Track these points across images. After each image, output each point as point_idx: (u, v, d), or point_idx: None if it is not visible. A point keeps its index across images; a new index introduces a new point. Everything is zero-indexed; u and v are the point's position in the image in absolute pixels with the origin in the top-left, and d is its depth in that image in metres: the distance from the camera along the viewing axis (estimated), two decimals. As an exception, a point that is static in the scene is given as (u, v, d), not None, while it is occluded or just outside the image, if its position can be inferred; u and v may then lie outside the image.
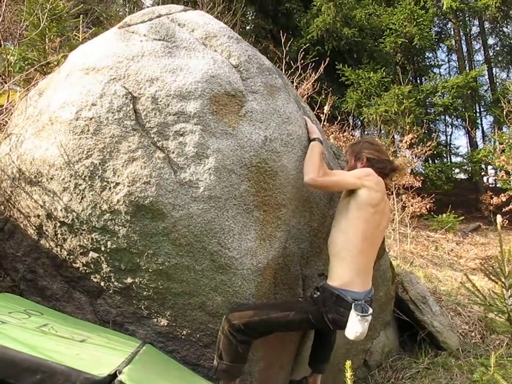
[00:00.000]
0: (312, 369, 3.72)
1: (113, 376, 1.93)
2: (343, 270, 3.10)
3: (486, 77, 22.96)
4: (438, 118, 19.55)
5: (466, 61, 23.77)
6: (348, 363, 1.80)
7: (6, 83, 4.54)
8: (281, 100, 3.32)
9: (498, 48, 25.25)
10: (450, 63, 28.09)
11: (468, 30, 24.33)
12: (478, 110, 23.64)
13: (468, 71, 17.90)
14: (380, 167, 3.40)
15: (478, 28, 25.09)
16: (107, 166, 2.91)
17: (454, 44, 22.18)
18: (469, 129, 17.42)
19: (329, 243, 3.27)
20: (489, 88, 22.54)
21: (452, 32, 23.08)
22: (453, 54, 26.32)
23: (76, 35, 6.29)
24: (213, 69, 3.08)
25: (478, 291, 3.90)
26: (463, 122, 19.46)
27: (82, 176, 2.93)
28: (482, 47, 25.24)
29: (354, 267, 3.10)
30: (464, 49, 24.49)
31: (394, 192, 10.15)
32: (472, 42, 26.65)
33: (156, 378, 2.36)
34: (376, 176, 3.25)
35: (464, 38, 24.77)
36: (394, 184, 10.16)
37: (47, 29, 5.74)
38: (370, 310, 3.01)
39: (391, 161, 3.57)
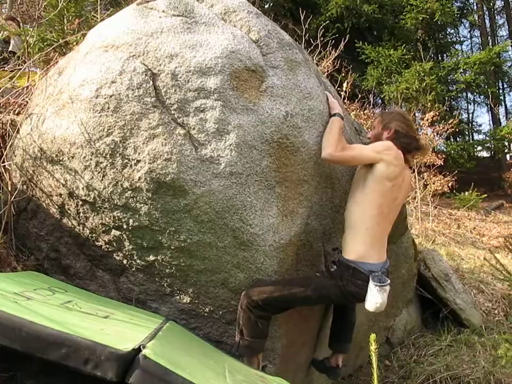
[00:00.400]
0: (334, 350, 3.75)
1: (138, 350, 1.94)
2: (358, 243, 3.10)
3: (510, 52, 22.57)
4: (460, 95, 19.33)
5: (489, 37, 23.43)
6: (372, 336, 1.79)
7: (25, 63, 4.55)
8: (302, 75, 3.29)
9: (523, 23, 24.75)
10: (473, 39, 27.70)
11: (491, 4, 23.80)
12: (501, 87, 23.28)
13: (491, 46, 17.59)
14: (405, 141, 3.34)
15: (502, 2, 24.58)
16: (128, 144, 2.90)
17: (476, 19, 21.82)
18: (492, 106, 17.21)
19: (345, 215, 3.26)
20: (514, 64, 22.16)
21: (475, 7, 22.69)
22: (476, 30, 25.86)
23: (94, 16, 6.28)
24: (232, 44, 3.05)
25: (503, 267, 3.86)
26: (486, 99, 19.18)
27: (103, 154, 2.94)
28: (506, 22, 24.74)
29: (369, 239, 3.09)
30: (487, 24, 24.10)
31: (416, 170, 10.07)
32: (496, 17, 26.14)
33: (179, 354, 2.36)
34: (396, 149, 3.20)
35: (487, 12, 24.29)
36: (416, 162, 10.08)
37: (65, 9, 5.74)
38: (388, 280, 3.02)
39: (417, 139, 3.49)
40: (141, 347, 1.97)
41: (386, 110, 3.65)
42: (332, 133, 3.20)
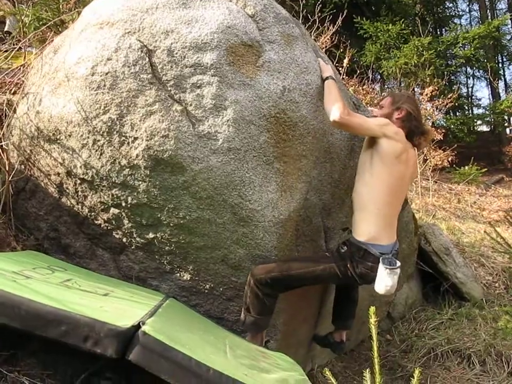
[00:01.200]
0: (337, 326, 3.77)
1: (137, 327, 1.95)
2: (369, 224, 3.09)
3: (509, 26, 22.35)
4: (459, 69, 19.18)
5: (488, 10, 23.18)
6: (372, 309, 1.79)
7: (20, 42, 4.52)
8: (299, 49, 3.25)
9: (522, -5, 24.51)
10: (472, 13, 27.34)
11: (490, -24, 23.64)
12: (500, 60, 23.13)
13: (490, 20, 17.43)
14: (414, 125, 3.32)
15: (501, -25, 24.41)
16: (125, 121, 2.89)
17: (475, -8, 21.61)
18: (491, 80, 17.10)
19: (353, 197, 3.24)
20: (513, 38, 21.98)
21: (473, -20, 22.50)
22: (474, 4, 25.62)
23: (90, -6, 6.22)
24: (228, 19, 3.02)
25: (503, 240, 3.86)
26: (485, 73, 19.08)
27: (101, 132, 2.92)
28: (505, -5, 24.56)
29: (380, 221, 3.10)
30: (486, -3, 23.87)
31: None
32: (495, -10, 25.89)
33: (179, 330, 2.37)
34: (394, 126, 3.22)
35: (486, -15, 24.09)
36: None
37: (61, -12, 5.69)
38: (398, 263, 3.00)
39: (423, 124, 3.48)
40: (141, 323, 1.98)
41: (397, 92, 3.58)
42: (334, 96, 3.15)
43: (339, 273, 3.09)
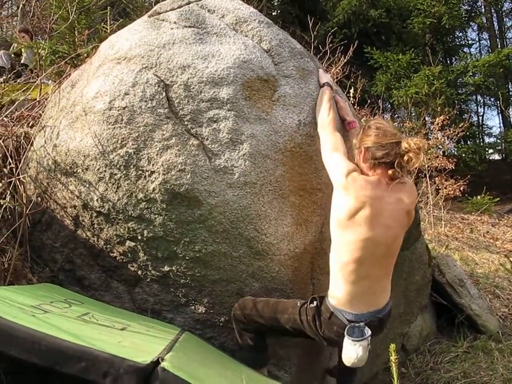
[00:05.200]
0: None
1: (156, 363, 1.94)
2: (339, 290, 2.74)
3: (519, 54, 22.44)
4: (469, 98, 19.19)
5: (498, 39, 23.31)
6: (392, 346, 1.78)
7: (38, 77, 4.59)
8: (314, 83, 3.30)
9: (531, 24, 24.69)
10: (481, 41, 27.40)
11: (499, 6, 23.74)
12: (511, 89, 23.17)
13: (500, 49, 17.51)
14: (382, 154, 2.67)
15: (510, 4, 24.56)
16: (142, 155, 2.92)
17: (485, 21, 21.74)
18: (502, 108, 17.12)
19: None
20: (523, 66, 22.05)
21: (483, 10, 22.64)
22: (484, 33, 25.76)
23: (104, 27, 6.33)
24: (244, 54, 3.08)
25: (519, 272, 3.83)
26: (496, 102, 19.13)
27: (117, 166, 2.95)
28: (515, 24, 24.75)
29: (351, 288, 2.70)
30: (496, 27, 24.02)
31: (427, 175, 10.06)
32: (504, 19, 26.02)
33: (197, 365, 2.36)
34: (359, 176, 2.72)
35: (495, 15, 24.23)
36: (427, 167, 10.08)
37: (76, 21, 5.79)
38: (368, 333, 2.64)
39: (398, 143, 2.66)
40: (160, 359, 1.97)
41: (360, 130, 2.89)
42: (323, 105, 3.10)
43: (304, 329, 2.86)
